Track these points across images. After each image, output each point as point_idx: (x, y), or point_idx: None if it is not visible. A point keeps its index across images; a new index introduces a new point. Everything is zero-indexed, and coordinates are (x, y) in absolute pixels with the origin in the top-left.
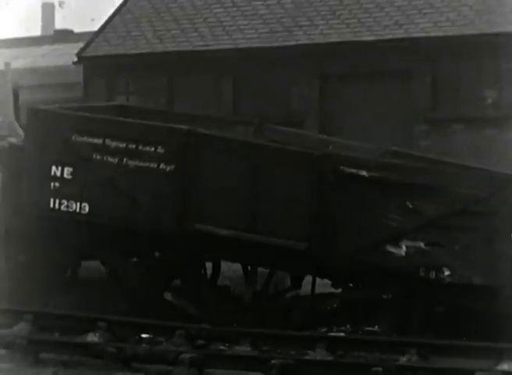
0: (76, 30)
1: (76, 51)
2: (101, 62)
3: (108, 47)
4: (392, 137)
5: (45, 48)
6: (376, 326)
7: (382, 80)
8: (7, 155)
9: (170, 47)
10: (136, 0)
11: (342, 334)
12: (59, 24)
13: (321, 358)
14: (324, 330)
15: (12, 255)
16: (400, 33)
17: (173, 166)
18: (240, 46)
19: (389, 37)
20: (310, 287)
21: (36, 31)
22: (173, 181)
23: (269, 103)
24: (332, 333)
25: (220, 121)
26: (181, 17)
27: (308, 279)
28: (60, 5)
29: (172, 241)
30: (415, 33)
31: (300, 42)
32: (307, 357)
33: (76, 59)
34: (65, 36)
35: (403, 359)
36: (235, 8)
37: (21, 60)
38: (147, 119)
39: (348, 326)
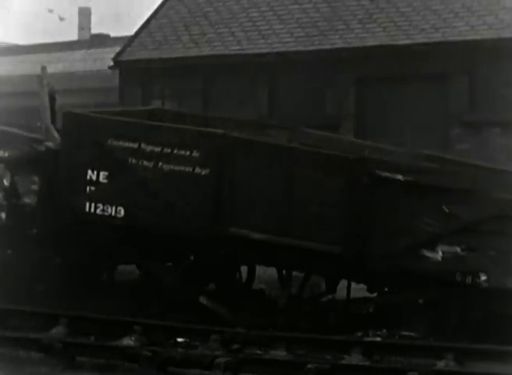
0: (113, 34)
1: (112, 55)
2: (137, 66)
3: (144, 51)
4: (428, 140)
5: (82, 53)
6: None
7: (418, 84)
8: (44, 159)
9: (206, 51)
10: (172, 4)
11: (378, 339)
12: (96, 29)
13: (357, 363)
14: (360, 334)
15: (49, 257)
16: (436, 37)
17: (208, 170)
18: (275, 50)
19: (426, 40)
20: (346, 291)
21: (72, 36)
22: (208, 185)
23: (305, 107)
24: (368, 338)
25: (254, 125)
26: (217, 21)
27: (344, 283)
28: (60, 19)
29: (206, 244)
30: (452, 36)
31: (335, 46)
32: (342, 361)
33: (112, 64)
34: (101, 40)
35: (440, 364)
36: (271, 13)
37: (58, 64)
38: (182, 123)
39: (384, 330)
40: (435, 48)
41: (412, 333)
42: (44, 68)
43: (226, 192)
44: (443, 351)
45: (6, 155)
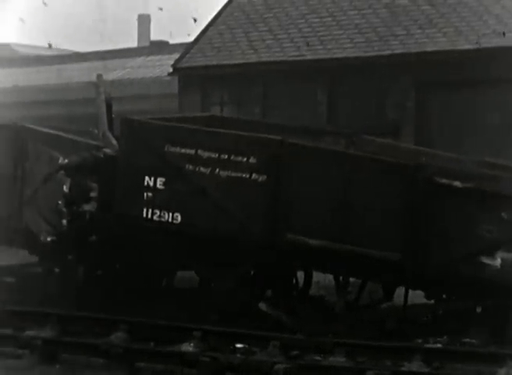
0: (172, 41)
1: (171, 62)
2: (195, 72)
3: (202, 58)
4: (490, 146)
5: (141, 60)
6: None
7: (479, 89)
8: (102, 166)
9: (265, 57)
10: (230, 11)
11: (438, 346)
12: (155, 35)
13: (417, 370)
14: (420, 341)
15: (108, 263)
16: (498, 42)
17: (265, 176)
18: (335, 56)
19: (487, 45)
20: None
21: (132, 43)
22: (265, 191)
23: (364, 113)
24: (428, 345)
25: (312, 132)
26: (276, 27)
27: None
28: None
29: (263, 250)
30: None
31: (395, 51)
32: (403, 368)
33: (171, 70)
34: (160, 47)
35: (501, 372)
36: (330, 18)
37: (117, 71)
38: (240, 130)
39: (445, 337)
40: (497, 53)
41: (473, 340)
42: (100, 76)
43: (283, 198)
44: (505, 359)
45: (66, 161)
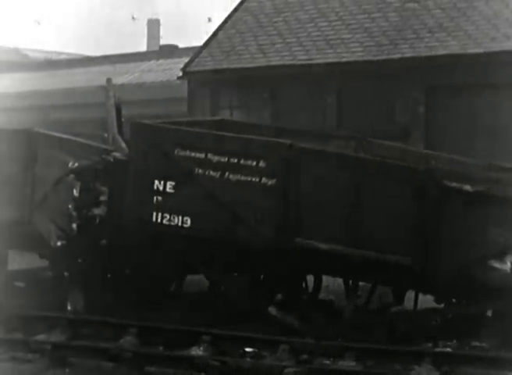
0: (181, 45)
1: (180, 66)
2: (205, 76)
3: (212, 62)
4: (500, 150)
5: (150, 64)
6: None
7: (489, 94)
8: (112, 170)
9: (274, 61)
10: (240, 15)
11: (448, 350)
12: (164, 39)
13: (427, 374)
14: (430, 345)
15: (117, 268)
16: (508, 46)
17: (275, 180)
18: (344, 59)
19: (497, 49)
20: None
21: (141, 47)
22: (274, 195)
23: (374, 117)
24: (438, 349)
25: (321, 136)
26: (285, 31)
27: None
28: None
29: (272, 254)
30: None
31: (405, 55)
32: (412, 372)
33: (181, 74)
34: (170, 51)
35: None
36: (339, 22)
37: (127, 75)
38: (250, 134)
39: (455, 341)
40: (507, 57)
41: (483, 344)
42: (109, 80)
43: (293, 202)
44: None
45: (76, 165)
